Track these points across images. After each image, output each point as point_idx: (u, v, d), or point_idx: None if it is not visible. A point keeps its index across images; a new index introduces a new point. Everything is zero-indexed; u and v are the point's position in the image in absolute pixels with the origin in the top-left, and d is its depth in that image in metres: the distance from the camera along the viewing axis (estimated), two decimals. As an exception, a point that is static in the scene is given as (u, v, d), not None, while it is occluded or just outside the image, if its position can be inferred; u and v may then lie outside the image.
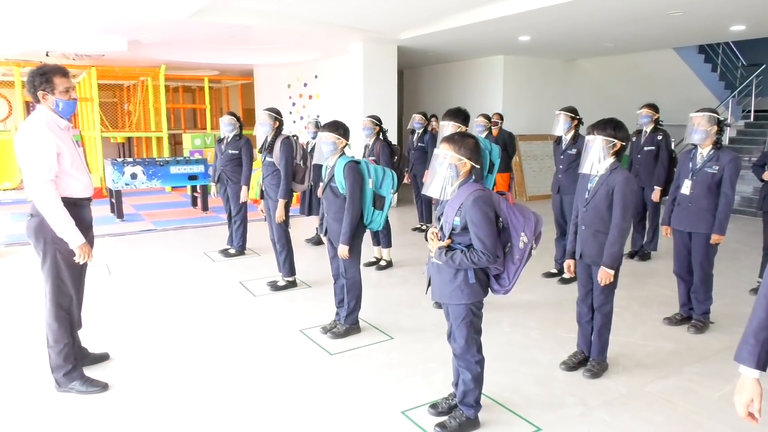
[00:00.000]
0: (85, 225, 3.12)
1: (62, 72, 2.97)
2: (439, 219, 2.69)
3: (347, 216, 3.78)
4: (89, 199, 3.19)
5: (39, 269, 3.11)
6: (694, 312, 4.16)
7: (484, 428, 2.83)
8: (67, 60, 10.26)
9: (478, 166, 2.60)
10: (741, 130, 10.77)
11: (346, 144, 3.88)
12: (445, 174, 2.57)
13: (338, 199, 3.84)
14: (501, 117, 8.03)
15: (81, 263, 3.07)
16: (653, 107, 5.87)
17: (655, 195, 5.83)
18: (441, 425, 2.78)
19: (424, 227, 7.59)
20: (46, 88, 2.93)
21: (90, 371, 3.33)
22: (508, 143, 7.71)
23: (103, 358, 3.59)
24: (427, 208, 7.57)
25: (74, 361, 3.19)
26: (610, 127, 3.19)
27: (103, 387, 3.19)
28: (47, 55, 9.72)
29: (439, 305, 4.24)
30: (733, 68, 11.54)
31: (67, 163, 2.99)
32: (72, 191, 3.03)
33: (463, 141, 2.58)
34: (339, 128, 3.82)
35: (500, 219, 2.55)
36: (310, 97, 11.45)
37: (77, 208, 3.07)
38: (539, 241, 2.64)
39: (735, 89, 11.10)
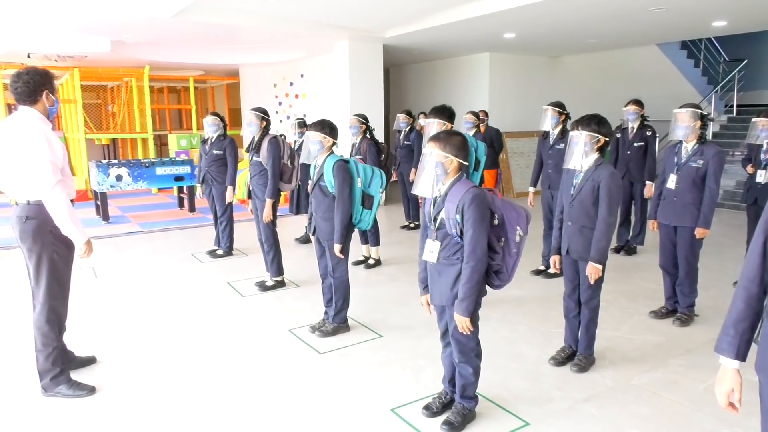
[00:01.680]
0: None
1: (55, 77, 3.13)
2: (435, 219, 2.68)
3: (338, 214, 3.77)
4: (73, 201, 3.20)
5: (30, 272, 3.07)
6: (679, 305, 4.20)
7: (473, 424, 2.85)
8: (49, 61, 10.14)
9: (466, 163, 2.61)
10: (724, 125, 10.91)
11: (334, 143, 3.87)
12: (432, 172, 2.58)
13: (327, 198, 3.83)
14: (486, 114, 8.08)
15: (84, 257, 3.11)
16: (639, 103, 5.92)
17: (648, 190, 5.88)
18: (448, 422, 2.78)
19: (411, 225, 7.61)
20: (49, 88, 3.01)
21: (76, 375, 3.31)
22: (494, 140, 7.76)
23: (90, 361, 3.56)
24: (414, 207, 7.60)
25: (62, 365, 3.16)
26: (594, 122, 3.22)
27: (90, 390, 3.16)
28: (29, 56, 9.60)
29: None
30: (715, 63, 11.70)
31: (65, 164, 3.05)
32: (68, 192, 3.06)
33: (448, 138, 2.59)
34: (325, 127, 3.81)
35: (495, 216, 2.58)
36: (297, 96, 11.42)
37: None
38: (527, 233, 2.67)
39: (717, 84, 11.25)
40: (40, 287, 3.05)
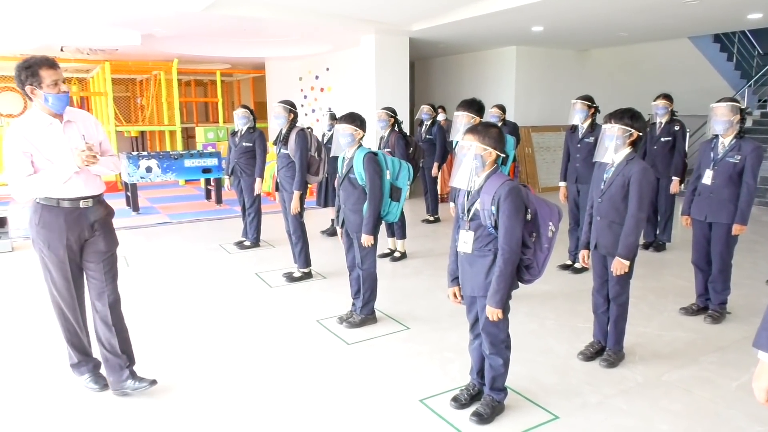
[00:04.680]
0: (68, 227, 2.87)
1: (49, 63, 2.75)
2: (469, 210, 2.68)
3: (370, 206, 3.80)
4: (81, 199, 2.90)
5: None
6: (710, 302, 4.14)
7: (502, 416, 2.86)
8: (82, 55, 10.34)
9: (503, 155, 2.62)
10: (757, 120, 10.64)
11: (363, 135, 3.90)
12: (470, 165, 2.59)
13: (356, 190, 3.86)
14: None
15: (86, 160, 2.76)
16: (668, 98, 5.82)
17: (674, 186, 5.79)
18: (477, 414, 2.80)
19: (431, 219, 7.61)
20: (33, 82, 2.72)
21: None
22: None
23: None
24: (434, 200, 7.60)
25: (80, 358, 3.16)
26: (628, 116, 3.19)
27: (103, 386, 3.13)
28: (62, 50, 9.80)
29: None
30: (749, 57, 11.42)
31: (42, 164, 2.78)
32: (58, 192, 2.83)
33: (486, 131, 2.60)
34: (356, 120, 3.84)
35: (528, 210, 2.59)
36: (322, 89, 11.46)
37: (59, 210, 2.85)
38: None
39: (751, 78, 10.98)
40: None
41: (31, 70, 2.71)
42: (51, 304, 3.06)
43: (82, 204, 2.90)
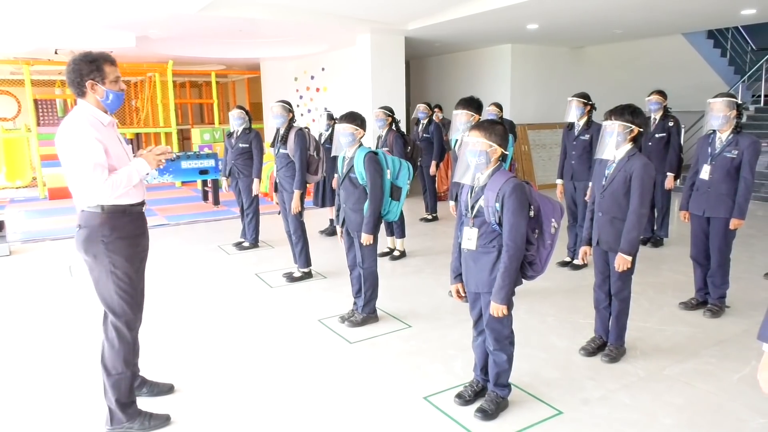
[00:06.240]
0: (137, 233, 2.77)
1: (111, 60, 2.63)
2: (473, 207, 2.70)
3: (371, 205, 3.81)
4: (142, 204, 2.81)
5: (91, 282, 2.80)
6: (709, 296, 4.17)
7: (506, 412, 2.87)
8: (76, 57, 10.30)
9: (507, 153, 2.64)
10: (751, 115, 10.72)
11: (364, 134, 3.91)
12: (476, 161, 2.61)
13: (357, 189, 3.87)
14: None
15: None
16: (662, 94, 5.85)
17: (669, 182, 5.82)
18: (481, 410, 2.82)
19: (429, 217, 7.63)
20: (96, 77, 2.56)
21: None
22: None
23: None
24: (432, 199, 7.61)
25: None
26: (628, 112, 3.21)
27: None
28: (56, 52, 9.77)
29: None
30: (742, 53, 11.49)
31: (113, 164, 2.62)
32: (123, 198, 2.65)
33: (493, 128, 2.62)
34: (356, 119, 3.85)
35: (531, 207, 2.61)
36: (318, 89, 11.46)
37: (129, 217, 2.70)
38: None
39: (744, 74, 11.05)
40: (102, 303, 2.70)
41: (96, 64, 2.56)
42: (107, 332, 2.72)
43: (144, 209, 2.82)
